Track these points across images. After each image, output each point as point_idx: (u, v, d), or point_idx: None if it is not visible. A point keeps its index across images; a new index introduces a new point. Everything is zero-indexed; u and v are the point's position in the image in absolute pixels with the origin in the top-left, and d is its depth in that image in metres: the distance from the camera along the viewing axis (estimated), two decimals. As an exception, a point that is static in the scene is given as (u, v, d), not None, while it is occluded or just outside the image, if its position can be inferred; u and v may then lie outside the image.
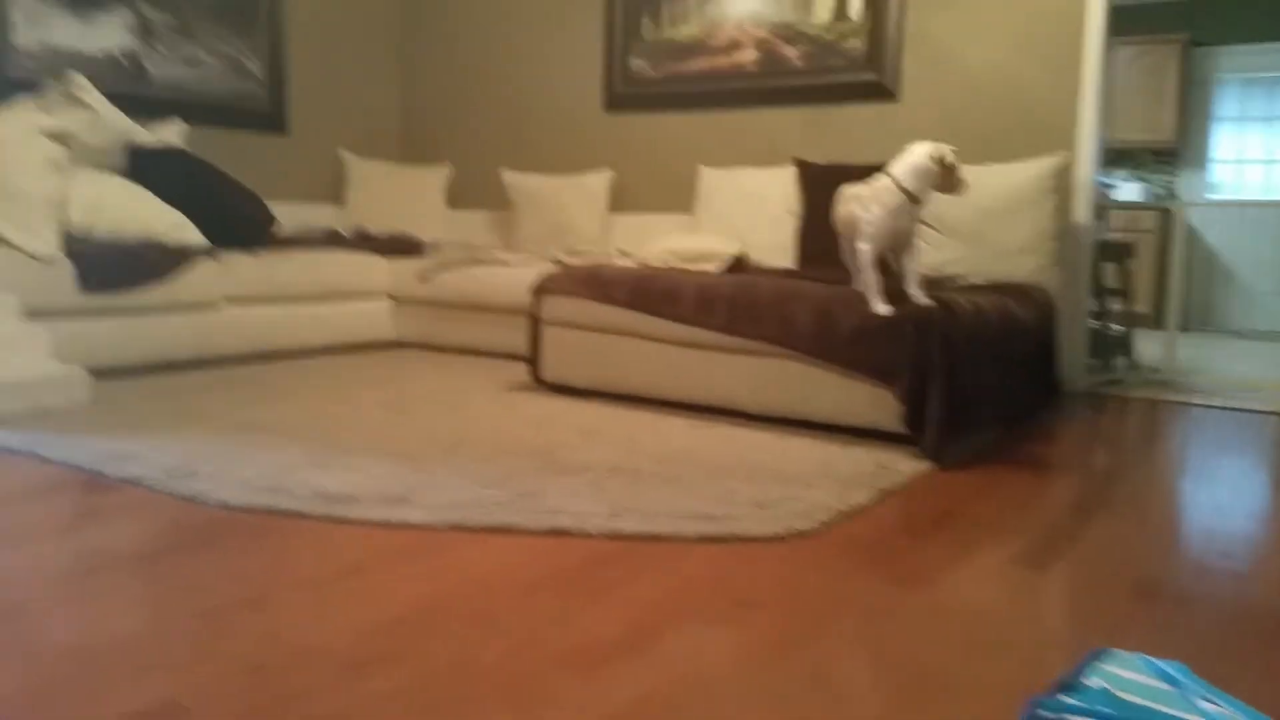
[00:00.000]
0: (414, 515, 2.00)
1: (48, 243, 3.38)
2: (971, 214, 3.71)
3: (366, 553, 1.80)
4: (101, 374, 3.41)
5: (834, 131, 4.44)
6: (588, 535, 1.94)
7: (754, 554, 1.88)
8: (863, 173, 4.00)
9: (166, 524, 1.93)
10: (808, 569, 1.80)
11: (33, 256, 3.31)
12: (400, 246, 4.87)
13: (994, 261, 3.66)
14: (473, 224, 5.47)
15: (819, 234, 4.09)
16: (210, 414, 2.93)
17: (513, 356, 4.41)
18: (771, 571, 1.78)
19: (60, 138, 3.59)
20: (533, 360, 3.60)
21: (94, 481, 2.22)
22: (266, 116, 5.17)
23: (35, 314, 3.26)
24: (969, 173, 3.76)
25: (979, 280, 3.63)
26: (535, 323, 3.58)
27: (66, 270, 3.39)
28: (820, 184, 4.14)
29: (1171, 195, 7.43)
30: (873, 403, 2.83)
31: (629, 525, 1.98)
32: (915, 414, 2.71)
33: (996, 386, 2.97)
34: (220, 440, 2.58)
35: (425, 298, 4.60)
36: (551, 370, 3.55)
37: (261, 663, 1.33)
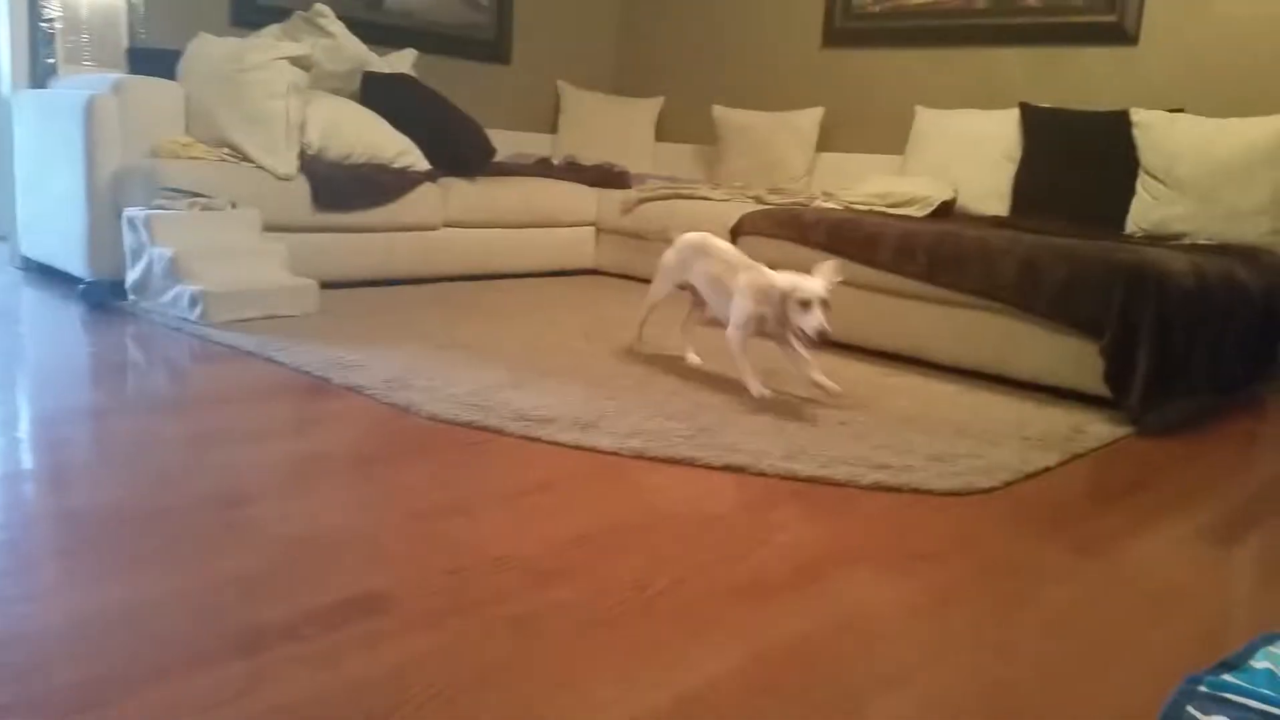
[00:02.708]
0: (602, 441, 2.12)
1: (288, 163, 3.70)
2: (1205, 170, 3.42)
3: (557, 472, 1.94)
4: (328, 286, 3.74)
5: (1064, 76, 4.17)
6: (763, 474, 2.00)
7: (929, 507, 1.88)
8: (1093, 120, 3.77)
9: (382, 431, 2.14)
10: (983, 527, 1.79)
11: (275, 175, 3.65)
12: (607, 177, 5.00)
13: (1225, 222, 3.37)
14: (680, 157, 5.53)
15: (1039, 181, 3.90)
16: (425, 330, 3.17)
17: (707, 291, 4.47)
18: (945, 526, 1.79)
19: (302, 63, 3.89)
20: (726, 297, 3.65)
21: (320, 386, 2.48)
22: (491, 46, 5.40)
23: (272, 228, 3.58)
24: (1208, 126, 3.47)
25: (1205, 240, 3.36)
26: (733, 261, 3.62)
27: (303, 188, 3.72)
28: (1045, 129, 3.94)
29: None
30: (1075, 362, 2.71)
31: (805, 468, 2.02)
32: (1119, 373, 2.58)
33: (1211, 352, 2.77)
34: (433, 355, 2.81)
35: (627, 228, 4.72)
36: (744, 308, 3.59)
37: (460, 565, 1.49)
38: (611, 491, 1.86)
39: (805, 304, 2.35)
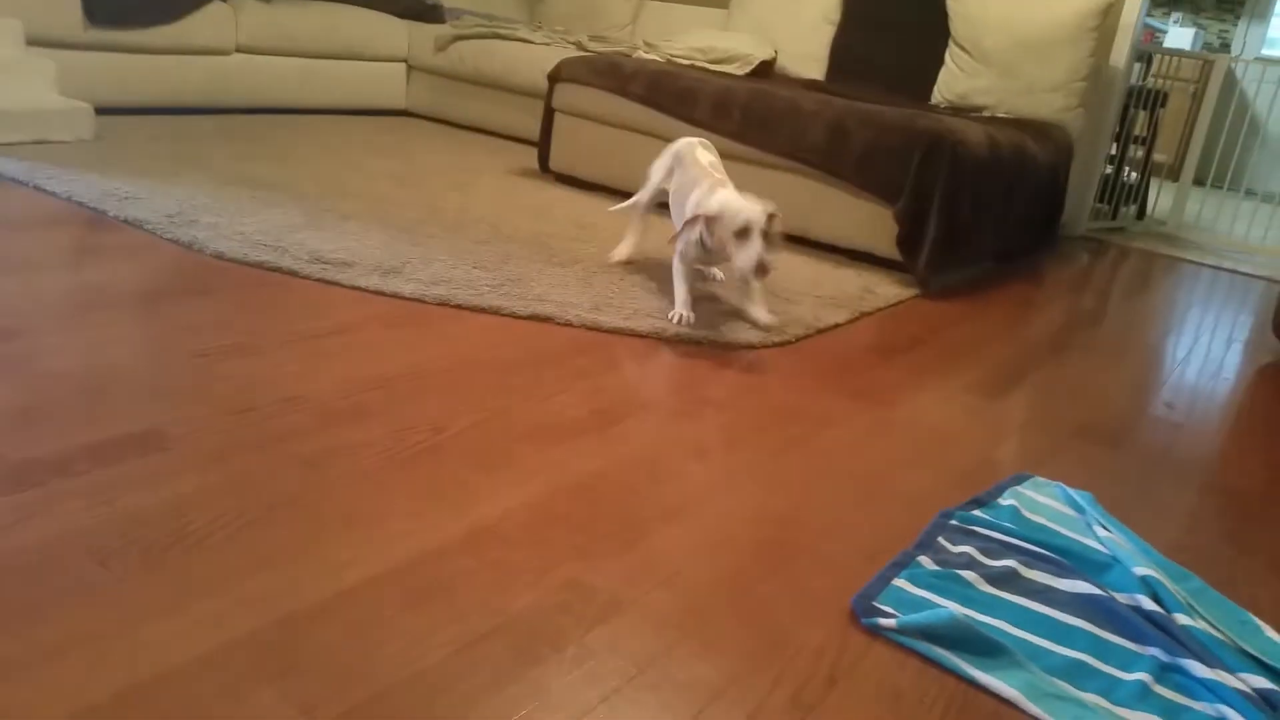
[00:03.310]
0: (405, 287, 2.07)
1: (55, -33, 3.28)
2: (1009, 44, 3.58)
3: (356, 317, 1.88)
4: (105, 111, 3.39)
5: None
6: (568, 324, 2.02)
7: (725, 359, 1.96)
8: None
9: (164, 268, 2.00)
10: (773, 377, 1.89)
11: (40, -19, 3.23)
12: (419, 9, 4.71)
13: (1022, 96, 3.56)
14: (496, -5, 5.27)
15: (855, 46, 3.97)
16: (214, 163, 2.95)
17: (522, 140, 4.36)
18: (739, 376, 1.87)
19: None
20: (542, 147, 3.58)
21: (95, 219, 2.27)
22: None
23: (40, 43, 3.20)
24: (1016, 1, 3.60)
25: (1002, 114, 3.55)
26: (549, 110, 3.53)
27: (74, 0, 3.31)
28: (862, -6, 3.98)
29: (1224, 46, 7.09)
30: (871, 226, 2.85)
31: (609, 319, 2.05)
32: (910, 237, 2.73)
33: (997, 220, 2.98)
34: (222, 191, 2.62)
35: (441, 68, 4.50)
36: (559, 160, 3.53)
37: (247, 404, 1.43)
38: (412, 337, 1.82)
39: (742, 232, 1.99)
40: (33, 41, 3.16)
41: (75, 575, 0.99)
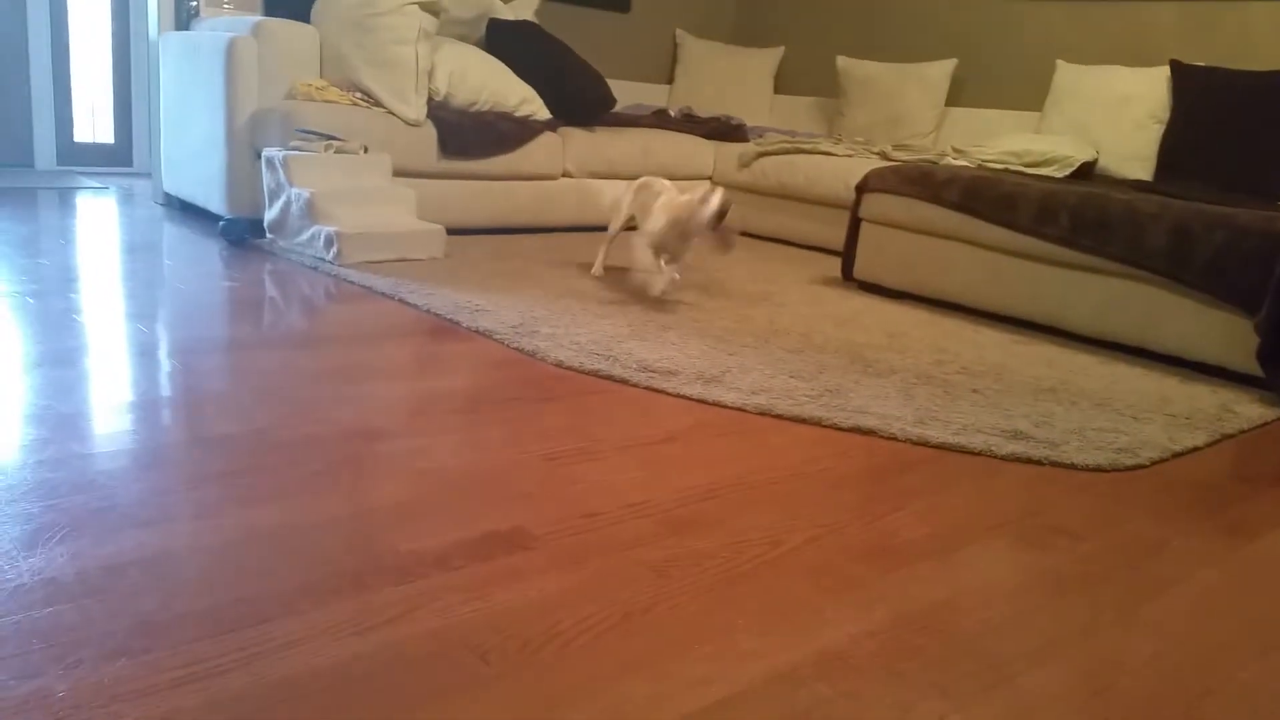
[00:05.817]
0: (726, 396, 2.10)
1: (418, 109, 3.75)
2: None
3: (683, 425, 1.93)
4: (454, 232, 3.80)
5: (1219, 32, 3.91)
6: (894, 438, 1.96)
7: (1071, 482, 1.81)
8: (1253, 80, 3.53)
9: (512, 375, 2.17)
10: (1128, 505, 1.72)
11: (405, 121, 3.70)
12: (724, 130, 4.92)
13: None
14: (798, 110, 5.42)
15: (1188, 145, 3.69)
16: (547, 278, 3.19)
17: (818, 248, 4.39)
18: (1088, 502, 1.72)
19: (431, 8, 3.92)
20: (846, 256, 3.57)
21: (450, 329, 2.52)
22: (611, -6, 5.35)
23: (400, 173, 3.66)
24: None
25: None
26: (855, 219, 3.53)
27: (430, 135, 3.76)
28: (1198, 90, 3.71)
29: None
30: (1223, 336, 2.57)
31: (937, 434, 1.97)
32: (1273, 351, 2.43)
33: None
34: (556, 303, 2.82)
35: (744, 183, 4.65)
36: (864, 269, 3.51)
37: (596, 508, 1.50)
38: (738, 446, 1.84)
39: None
40: (398, 173, 3.62)
41: (459, 669, 1.05)
